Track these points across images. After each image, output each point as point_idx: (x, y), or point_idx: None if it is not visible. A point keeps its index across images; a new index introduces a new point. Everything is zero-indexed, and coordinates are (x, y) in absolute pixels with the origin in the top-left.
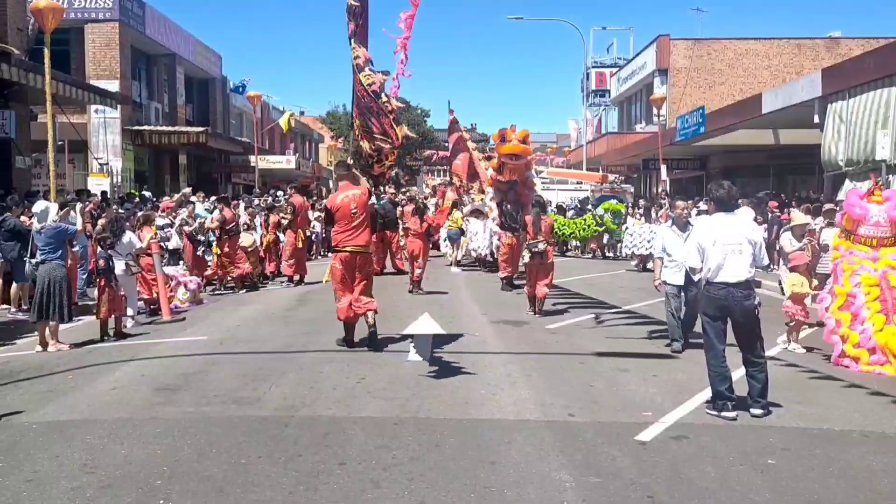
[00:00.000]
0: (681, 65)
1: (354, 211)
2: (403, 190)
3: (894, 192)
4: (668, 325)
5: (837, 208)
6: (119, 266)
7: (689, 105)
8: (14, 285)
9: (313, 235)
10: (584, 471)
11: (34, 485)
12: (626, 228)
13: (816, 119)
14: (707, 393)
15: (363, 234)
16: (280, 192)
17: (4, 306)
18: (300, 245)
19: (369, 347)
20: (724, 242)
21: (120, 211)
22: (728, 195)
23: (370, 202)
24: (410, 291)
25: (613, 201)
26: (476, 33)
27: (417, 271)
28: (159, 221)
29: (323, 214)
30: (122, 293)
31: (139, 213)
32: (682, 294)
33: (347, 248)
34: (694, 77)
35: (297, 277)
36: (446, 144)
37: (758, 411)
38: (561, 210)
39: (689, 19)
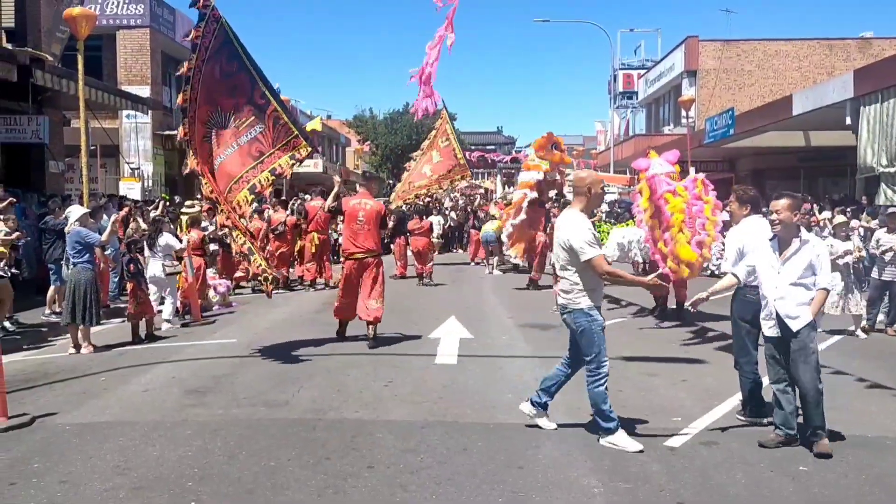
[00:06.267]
0: (709, 66)
1: (361, 219)
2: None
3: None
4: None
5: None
6: (156, 267)
7: (718, 107)
8: (52, 287)
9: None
10: (612, 476)
11: (68, 485)
12: None
13: (848, 121)
14: (737, 398)
15: (366, 241)
16: (307, 196)
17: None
18: (313, 250)
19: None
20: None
21: (155, 213)
22: (758, 197)
23: (384, 215)
24: (422, 283)
25: None
26: (502, 36)
27: (429, 265)
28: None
29: (336, 204)
30: (155, 294)
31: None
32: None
33: (356, 255)
34: (723, 78)
35: (320, 280)
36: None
37: None
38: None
39: (717, 20)
